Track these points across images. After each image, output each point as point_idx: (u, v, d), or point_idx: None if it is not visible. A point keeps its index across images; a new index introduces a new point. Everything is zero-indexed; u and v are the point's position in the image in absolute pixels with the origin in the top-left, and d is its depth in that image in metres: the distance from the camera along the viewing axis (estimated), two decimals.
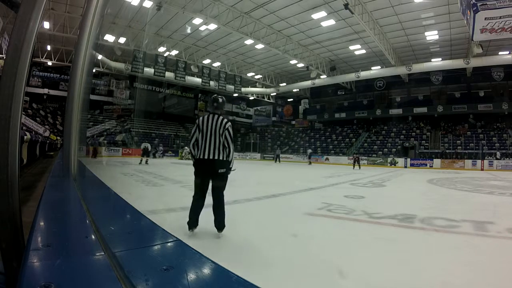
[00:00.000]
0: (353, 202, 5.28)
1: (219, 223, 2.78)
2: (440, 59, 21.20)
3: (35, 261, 0.75)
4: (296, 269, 2.17)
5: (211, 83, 25.38)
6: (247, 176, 11.81)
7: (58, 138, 20.86)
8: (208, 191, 2.84)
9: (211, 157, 2.77)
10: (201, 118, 2.91)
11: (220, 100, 3.00)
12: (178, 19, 18.28)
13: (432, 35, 18.47)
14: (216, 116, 2.87)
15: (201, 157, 2.78)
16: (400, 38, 19.42)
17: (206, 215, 2.85)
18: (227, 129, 2.84)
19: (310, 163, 16.96)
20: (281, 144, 33.51)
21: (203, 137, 2.82)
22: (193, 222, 2.77)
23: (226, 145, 2.82)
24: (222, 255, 2.29)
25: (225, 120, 2.87)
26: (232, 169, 2.99)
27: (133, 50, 21.00)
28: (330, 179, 10.24)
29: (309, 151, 24.38)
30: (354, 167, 17.85)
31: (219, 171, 2.78)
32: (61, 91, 26.05)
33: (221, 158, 2.79)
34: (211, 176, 2.82)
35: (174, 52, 23.37)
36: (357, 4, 14.75)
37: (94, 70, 20.80)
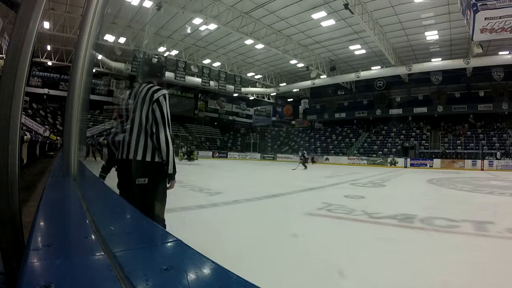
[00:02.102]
0: (353, 202, 5.28)
1: None
2: (440, 59, 21.20)
3: (35, 261, 0.75)
4: (296, 269, 2.17)
5: (211, 83, 25.38)
6: (247, 176, 11.82)
7: (58, 138, 20.85)
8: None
9: (130, 156, 1.64)
10: (127, 92, 1.89)
11: (153, 61, 1.90)
12: (178, 19, 18.28)
13: (432, 35, 18.46)
14: (144, 86, 1.75)
15: (119, 156, 1.71)
16: (400, 38, 19.42)
17: (208, 215, 2.85)
18: (157, 101, 1.67)
19: (305, 166, 14.88)
20: (281, 144, 33.53)
21: (130, 124, 1.73)
22: None
23: (154, 130, 1.65)
24: (222, 255, 2.29)
25: (156, 87, 1.73)
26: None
27: (133, 50, 21.00)
28: (330, 179, 10.25)
29: (303, 152, 19.05)
30: (300, 166, 15.43)
31: (137, 181, 1.61)
32: (61, 91, 26.05)
33: (140, 157, 1.62)
34: (130, 187, 1.66)
35: (174, 52, 23.36)
36: (357, 4, 14.75)
37: (94, 70, 20.79)
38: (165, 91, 1.71)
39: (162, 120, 1.65)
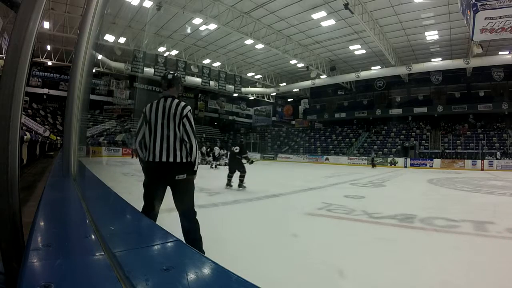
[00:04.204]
0: (353, 202, 5.28)
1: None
2: (440, 59, 21.21)
3: (35, 261, 0.75)
4: (296, 269, 2.17)
5: (211, 83, 25.38)
6: (247, 176, 11.78)
7: (58, 138, 20.86)
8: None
9: (164, 159, 2.05)
10: (148, 105, 2.16)
11: (172, 76, 2.27)
12: (178, 19, 18.27)
13: (432, 35, 18.47)
14: (169, 100, 2.12)
15: (151, 159, 2.07)
16: (400, 38, 19.42)
17: (208, 215, 2.84)
18: (187, 116, 2.10)
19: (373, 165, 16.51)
20: (281, 144, 33.51)
21: (152, 130, 2.10)
22: None
23: (186, 139, 2.09)
24: (222, 255, 2.29)
25: (182, 104, 2.13)
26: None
27: (133, 50, 21.00)
28: (330, 179, 10.25)
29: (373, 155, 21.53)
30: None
31: (177, 177, 2.06)
32: (61, 91, 26.05)
33: (179, 159, 2.08)
34: (167, 184, 2.11)
35: (174, 52, 23.37)
36: (357, 4, 14.75)
37: (94, 70, 20.82)
38: (189, 107, 2.16)
39: (192, 131, 2.13)
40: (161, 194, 2.12)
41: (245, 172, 6.49)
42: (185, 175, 2.09)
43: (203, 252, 2.13)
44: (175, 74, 2.33)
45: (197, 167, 2.20)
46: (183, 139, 2.09)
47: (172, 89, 2.21)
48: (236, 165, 6.54)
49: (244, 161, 6.62)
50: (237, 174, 6.58)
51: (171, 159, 2.05)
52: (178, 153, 2.07)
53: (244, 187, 6.44)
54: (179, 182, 2.08)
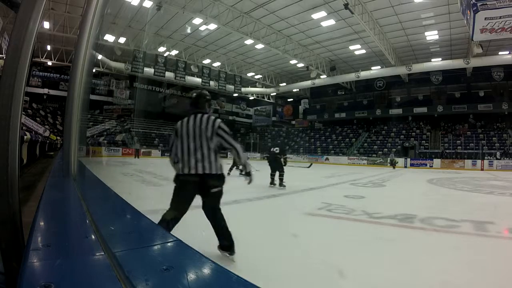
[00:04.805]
0: (353, 202, 5.28)
1: (229, 243, 2.26)
2: (440, 59, 21.21)
3: (35, 261, 0.75)
4: (296, 269, 2.17)
5: (211, 83, 25.38)
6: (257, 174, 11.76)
7: (58, 138, 20.86)
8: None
9: (199, 171, 2.15)
10: (179, 122, 2.30)
11: (198, 95, 2.38)
12: (178, 19, 18.28)
13: (432, 35, 18.47)
14: (199, 116, 2.25)
15: (186, 171, 2.17)
16: (400, 38, 19.42)
17: (203, 214, 2.84)
18: (220, 127, 2.23)
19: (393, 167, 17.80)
20: (281, 144, 33.44)
21: (185, 145, 2.21)
22: None
23: (229, 146, 2.25)
24: (222, 255, 2.29)
25: (212, 117, 2.27)
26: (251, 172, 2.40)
27: (133, 50, 21.00)
28: (330, 179, 10.24)
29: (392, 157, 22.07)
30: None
31: (212, 190, 2.19)
32: (61, 91, 26.04)
33: (214, 171, 2.18)
34: (198, 194, 2.23)
35: (174, 52, 23.37)
36: (357, 4, 14.75)
37: (94, 70, 20.82)
38: (219, 120, 2.28)
39: (231, 138, 2.27)
40: (190, 203, 2.23)
41: (284, 171, 6.85)
42: (219, 188, 2.22)
43: (232, 249, 2.25)
44: (201, 92, 2.44)
45: (249, 168, 2.43)
46: (223, 148, 2.25)
47: (200, 106, 2.33)
48: (277, 165, 6.87)
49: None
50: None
51: (207, 171, 2.15)
52: (211, 165, 2.18)
53: (284, 186, 6.75)
54: (212, 193, 2.20)
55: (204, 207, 2.25)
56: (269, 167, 7.01)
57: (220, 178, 2.23)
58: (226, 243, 2.25)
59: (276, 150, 6.93)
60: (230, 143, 2.26)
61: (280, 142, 7.63)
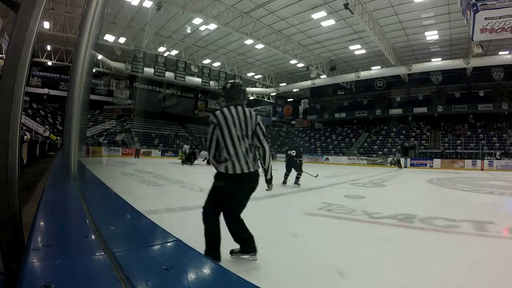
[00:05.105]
0: (353, 202, 5.28)
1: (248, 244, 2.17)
2: (440, 59, 21.20)
3: (35, 261, 0.75)
4: (296, 269, 2.17)
5: (211, 83, 25.38)
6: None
7: (58, 138, 20.85)
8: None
9: (251, 169, 2.01)
10: (219, 113, 2.05)
11: (233, 85, 2.21)
12: (178, 19, 18.27)
13: (432, 35, 18.46)
14: (240, 108, 2.09)
15: (243, 170, 1.98)
16: (400, 38, 19.42)
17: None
18: (259, 124, 2.13)
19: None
20: (281, 144, 33.47)
21: (234, 139, 2.00)
22: (217, 256, 2.03)
23: (260, 144, 2.13)
24: (222, 255, 2.29)
25: (253, 111, 2.15)
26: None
27: (133, 50, 21.00)
28: (330, 179, 10.24)
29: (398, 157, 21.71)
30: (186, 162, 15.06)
31: (266, 189, 2.19)
32: (61, 91, 26.02)
33: (256, 169, 2.08)
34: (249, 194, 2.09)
35: (174, 52, 23.36)
36: (357, 4, 14.75)
37: (94, 70, 20.83)
38: (259, 115, 2.18)
39: (265, 137, 2.16)
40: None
41: (301, 171, 7.49)
42: (270, 186, 2.23)
43: (253, 247, 2.14)
44: (238, 82, 2.30)
45: (271, 174, 2.28)
46: (256, 146, 2.12)
47: (238, 98, 2.15)
48: (294, 166, 7.50)
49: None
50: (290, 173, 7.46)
51: (253, 169, 2.04)
52: (256, 162, 2.09)
53: (299, 184, 7.33)
54: (250, 194, 2.09)
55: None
56: (284, 168, 7.60)
57: (258, 176, 2.11)
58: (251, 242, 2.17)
59: (293, 153, 7.56)
60: (262, 142, 2.14)
61: (296, 145, 8.35)
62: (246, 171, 1.98)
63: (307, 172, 7.84)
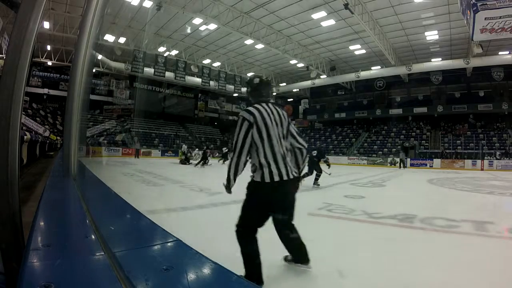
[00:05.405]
0: (353, 202, 5.28)
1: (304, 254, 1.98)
2: (440, 59, 21.20)
3: (35, 261, 0.75)
4: (295, 269, 2.16)
5: (211, 83, 25.39)
6: (247, 176, 11.77)
7: (58, 138, 20.86)
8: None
9: (291, 175, 1.74)
10: (254, 109, 1.74)
11: (268, 80, 2.03)
12: (178, 19, 18.27)
13: (432, 35, 18.46)
14: (271, 106, 1.85)
15: (283, 177, 1.69)
16: (400, 38, 19.42)
17: (208, 215, 2.84)
18: (290, 122, 1.93)
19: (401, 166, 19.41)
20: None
21: (272, 141, 1.71)
22: (260, 279, 1.74)
23: (299, 145, 1.93)
24: (222, 255, 2.29)
25: (282, 109, 1.94)
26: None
27: (133, 50, 21.00)
28: (330, 179, 10.23)
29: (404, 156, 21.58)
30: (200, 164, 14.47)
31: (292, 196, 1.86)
32: (61, 91, 26.03)
33: (297, 174, 1.85)
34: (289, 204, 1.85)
35: (174, 52, 23.36)
36: (357, 4, 14.74)
37: (94, 70, 20.82)
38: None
39: (298, 134, 1.94)
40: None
41: (321, 172, 7.59)
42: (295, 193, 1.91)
43: (307, 257, 1.96)
44: (266, 77, 2.06)
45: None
46: (292, 147, 1.90)
47: (267, 94, 1.91)
48: (314, 167, 7.54)
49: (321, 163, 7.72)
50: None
51: (292, 175, 1.76)
52: (294, 166, 1.85)
53: (318, 185, 7.43)
54: (293, 202, 1.85)
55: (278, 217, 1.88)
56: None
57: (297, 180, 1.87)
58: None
59: (314, 153, 7.64)
60: (300, 141, 1.90)
61: (319, 146, 8.61)
62: (285, 178, 1.69)
63: (324, 170, 7.94)
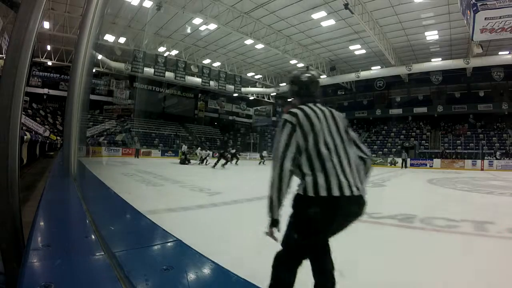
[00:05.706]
0: None
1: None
2: (440, 59, 21.20)
3: (35, 261, 0.75)
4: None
5: (211, 83, 25.39)
6: (248, 176, 11.81)
7: (58, 138, 20.86)
8: None
9: (347, 191, 1.29)
10: (296, 110, 1.40)
11: (317, 77, 1.63)
12: (178, 19, 18.28)
13: (432, 35, 18.46)
14: (321, 105, 1.51)
15: (336, 193, 1.27)
16: (400, 38, 19.42)
17: (208, 215, 2.84)
18: (348, 125, 1.58)
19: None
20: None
21: (330, 146, 1.37)
22: None
23: (363, 154, 1.56)
24: (222, 256, 2.29)
25: (337, 111, 1.57)
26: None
27: (133, 50, 21.00)
28: None
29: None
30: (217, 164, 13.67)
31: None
32: (61, 91, 26.03)
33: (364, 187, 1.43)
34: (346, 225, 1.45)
35: (174, 52, 23.36)
36: (357, 4, 14.75)
37: (94, 70, 20.81)
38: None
39: (360, 141, 1.59)
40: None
41: None
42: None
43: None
44: (311, 73, 1.63)
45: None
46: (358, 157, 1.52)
47: (316, 94, 1.58)
48: None
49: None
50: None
51: (357, 192, 1.36)
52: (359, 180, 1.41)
53: None
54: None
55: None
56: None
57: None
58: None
59: None
60: (364, 149, 1.57)
61: None
62: (337, 194, 1.27)
63: None
